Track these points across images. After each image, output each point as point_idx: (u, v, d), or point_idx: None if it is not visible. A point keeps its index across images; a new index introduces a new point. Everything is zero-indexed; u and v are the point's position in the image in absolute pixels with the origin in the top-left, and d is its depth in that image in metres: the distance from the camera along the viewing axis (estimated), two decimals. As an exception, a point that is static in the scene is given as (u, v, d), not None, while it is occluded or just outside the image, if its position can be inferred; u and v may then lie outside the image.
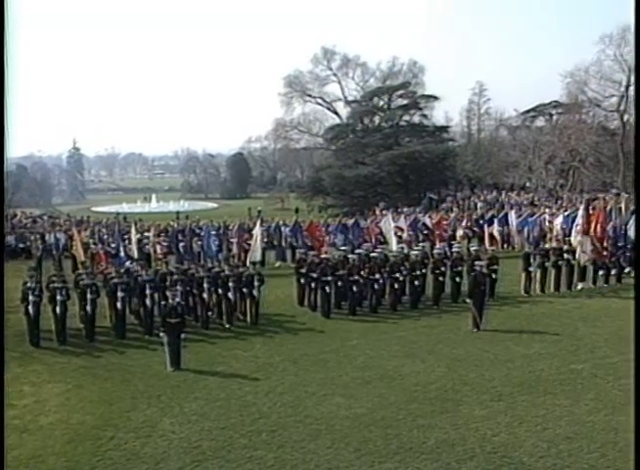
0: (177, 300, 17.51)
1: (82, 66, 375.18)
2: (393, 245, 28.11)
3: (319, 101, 79.14)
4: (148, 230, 31.39)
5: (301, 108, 79.84)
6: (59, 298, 18.73)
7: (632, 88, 67.22)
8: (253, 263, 23.70)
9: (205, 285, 20.61)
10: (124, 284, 19.87)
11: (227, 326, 20.48)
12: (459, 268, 23.35)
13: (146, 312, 19.96)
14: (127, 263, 23.71)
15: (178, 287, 19.99)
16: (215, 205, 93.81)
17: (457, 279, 23.26)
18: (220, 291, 20.63)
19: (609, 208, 26.44)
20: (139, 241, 28.93)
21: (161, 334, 16.86)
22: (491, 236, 32.63)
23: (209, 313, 20.79)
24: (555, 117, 75.20)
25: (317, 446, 12.14)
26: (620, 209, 26.38)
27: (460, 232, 32.62)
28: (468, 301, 20.30)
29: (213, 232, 30.52)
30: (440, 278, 23.22)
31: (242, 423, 13.16)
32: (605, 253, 25.58)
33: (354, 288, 22.05)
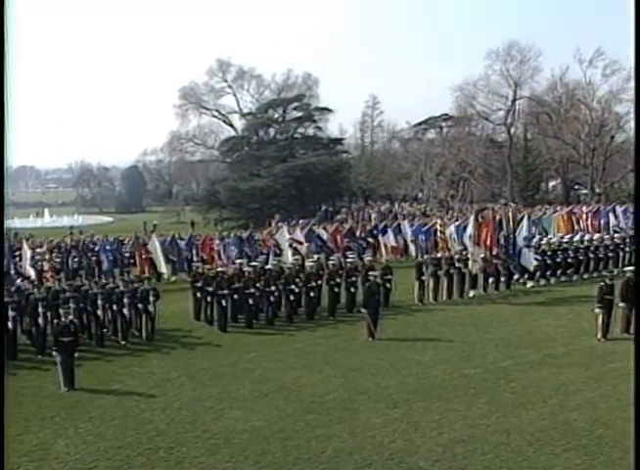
0: (70, 317, 17.14)
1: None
2: (289, 257, 28.36)
3: (214, 113, 78.68)
4: (40, 246, 30.65)
5: (197, 120, 79.21)
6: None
7: (518, 102, 69.90)
8: (148, 278, 23.46)
9: (100, 302, 20.28)
10: (15, 303, 19.35)
11: (122, 343, 20.21)
12: (354, 279, 23.74)
13: (38, 331, 19.47)
14: (18, 281, 23.10)
15: (71, 304, 19.54)
16: (110, 219, 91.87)
17: (352, 289, 23.62)
18: (115, 307, 20.35)
19: (498, 217, 27.29)
20: (32, 257, 28.20)
21: (54, 353, 16.48)
22: (386, 246, 33.25)
23: (104, 330, 20.46)
24: (445, 130, 77.44)
25: (216, 460, 12.14)
26: (508, 218, 27.26)
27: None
28: (363, 310, 20.63)
29: (108, 247, 30.07)
30: (336, 289, 23.53)
31: (139, 441, 13.02)
32: (495, 261, 26.47)
33: (250, 301, 22.11)
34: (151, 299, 20.61)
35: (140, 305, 20.54)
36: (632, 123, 66.00)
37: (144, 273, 27.41)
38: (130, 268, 29.53)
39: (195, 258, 29.86)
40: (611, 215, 38.59)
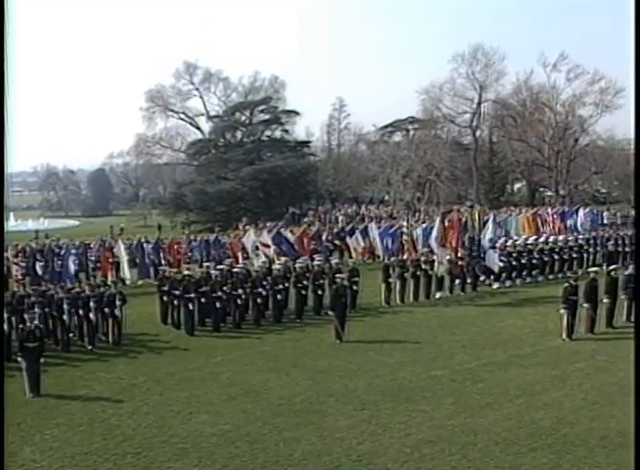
0: (36, 322, 16.99)
1: None
2: (255, 260, 28.33)
3: (181, 116, 78.21)
4: (5, 251, 30.28)
5: (164, 123, 78.56)
6: None
7: (483, 105, 70.50)
8: (115, 282, 23.30)
9: (65, 306, 20.11)
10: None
11: (89, 348, 20.05)
12: (321, 281, 23.78)
13: (2, 337, 19.26)
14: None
15: (36, 309, 19.39)
16: (76, 223, 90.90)
17: (319, 292, 23.65)
18: (81, 312, 20.20)
19: (463, 219, 27.48)
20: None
21: (19, 359, 16.32)
22: (352, 248, 33.34)
23: (70, 335, 20.27)
24: (411, 133, 77.71)
25: (184, 464, 12.11)
26: (474, 220, 27.47)
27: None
28: (330, 313, 20.69)
29: (74, 251, 29.80)
30: (303, 291, 23.54)
31: (106, 447, 12.95)
32: (460, 262, 26.67)
33: (218, 304, 22.05)
34: (117, 303, 20.46)
35: (107, 310, 20.39)
36: (596, 127, 67.18)
37: (107, 278, 27.25)
38: (97, 273, 29.32)
39: (162, 262, 29.72)
40: (575, 217, 39.11)
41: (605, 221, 43.62)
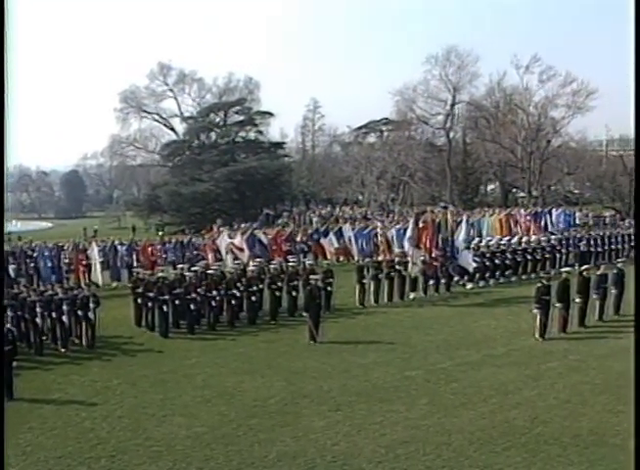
0: (8, 326, 16.89)
1: None
2: (229, 262, 28.30)
3: (155, 117, 77.91)
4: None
5: (138, 124, 78.26)
6: None
7: (457, 106, 70.89)
8: (88, 285, 23.15)
9: (38, 309, 19.90)
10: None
11: (62, 351, 19.88)
12: (295, 283, 23.79)
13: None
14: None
15: (9, 312, 19.24)
16: (49, 225, 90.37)
17: (293, 293, 23.65)
18: (54, 315, 20.02)
19: (437, 220, 27.62)
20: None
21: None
22: (327, 250, 33.38)
23: (43, 338, 20.11)
24: (385, 134, 77.97)
25: (158, 468, 12.08)
26: (447, 221, 27.63)
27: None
28: (304, 314, 20.73)
29: (47, 253, 29.58)
30: (277, 293, 23.52)
31: (80, 450, 12.86)
32: (434, 263, 26.80)
33: (192, 306, 21.96)
34: (91, 305, 20.33)
35: (80, 313, 20.25)
36: (568, 128, 67.74)
37: (79, 280, 27.07)
38: (70, 275, 29.12)
39: (135, 264, 29.59)
40: (548, 218, 39.45)
41: (577, 222, 44.05)
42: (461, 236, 27.52)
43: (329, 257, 33.22)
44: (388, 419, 14.03)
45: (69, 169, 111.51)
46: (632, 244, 36.09)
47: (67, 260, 30.07)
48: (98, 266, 29.09)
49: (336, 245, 33.71)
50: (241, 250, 29.88)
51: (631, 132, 67.36)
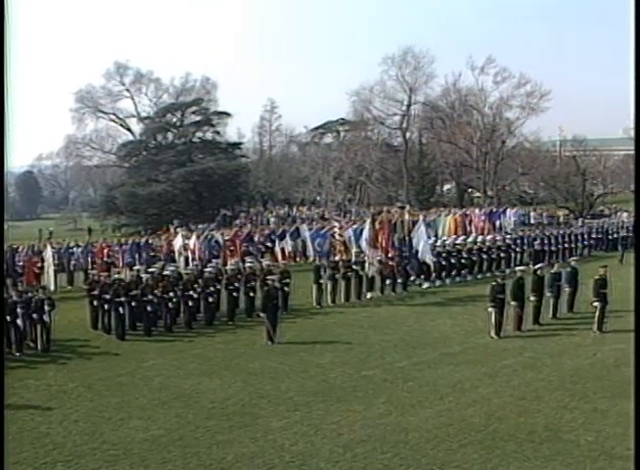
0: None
1: None
2: (181, 263, 28.19)
3: (112, 117, 77.21)
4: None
5: (94, 124, 77.46)
6: None
7: (413, 107, 71.40)
8: (43, 288, 22.85)
9: (-9, 312, 19.66)
10: None
11: (17, 355, 19.58)
12: (252, 283, 23.75)
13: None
14: None
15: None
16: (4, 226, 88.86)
17: (251, 294, 23.60)
18: (8, 318, 19.74)
19: (394, 220, 27.81)
20: None
21: (-56, 367, 15.94)
22: (283, 250, 33.36)
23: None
24: (342, 134, 78.24)
25: (115, 471, 12.00)
26: (403, 221, 27.87)
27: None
28: (262, 315, 20.71)
29: (0, 256, 29.11)
30: (234, 294, 23.49)
31: (35, 456, 12.69)
32: (391, 263, 26.97)
33: (149, 308, 21.81)
34: (46, 308, 20.06)
35: (35, 315, 19.97)
36: (522, 129, 68.66)
37: (31, 283, 26.69)
38: (23, 278, 28.70)
39: (91, 266, 29.29)
40: (502, 217, 39.96)
41: (531, 221, 44.69)
42: (419, 235, 27.67)
43: (279, 258, 33.10)
44: (345, 419, 14.07)
45: (24, 170, 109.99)
46: (585, 243, 36.87)
47: (21, 263, 29.65)
48: (51, 270, 28.65)
49: (289, 248, 33.51)
50: (193, 253, 29.79)
51: (585, 133, 69.01)
